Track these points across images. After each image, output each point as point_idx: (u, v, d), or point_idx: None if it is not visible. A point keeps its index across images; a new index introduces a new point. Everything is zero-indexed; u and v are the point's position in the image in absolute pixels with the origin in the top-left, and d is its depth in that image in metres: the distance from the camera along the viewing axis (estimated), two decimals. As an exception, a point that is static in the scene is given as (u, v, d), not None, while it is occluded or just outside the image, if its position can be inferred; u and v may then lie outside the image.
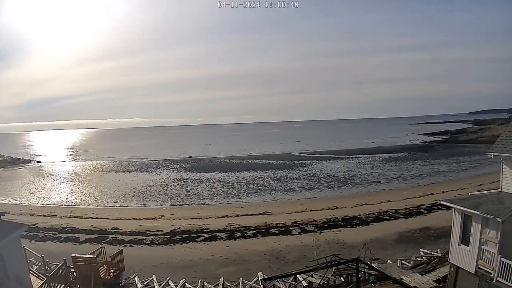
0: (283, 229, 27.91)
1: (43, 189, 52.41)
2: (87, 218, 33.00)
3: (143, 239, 26.49)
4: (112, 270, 17.04)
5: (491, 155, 14.44)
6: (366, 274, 16.91)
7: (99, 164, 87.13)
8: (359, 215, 30.66)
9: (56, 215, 34.14)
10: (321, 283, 15.89)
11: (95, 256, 16.14)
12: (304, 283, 15.93)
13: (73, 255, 16.13)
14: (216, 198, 42.77)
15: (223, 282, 17.87)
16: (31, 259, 15.70)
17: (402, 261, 19.48)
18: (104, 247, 18.74)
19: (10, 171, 74.32)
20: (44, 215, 34.16)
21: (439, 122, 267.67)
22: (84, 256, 16.10)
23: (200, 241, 26.07)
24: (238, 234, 27.07)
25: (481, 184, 39.66)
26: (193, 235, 27.09)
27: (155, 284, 17.64)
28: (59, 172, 72.26)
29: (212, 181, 54.52)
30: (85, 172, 72.12)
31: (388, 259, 19.96)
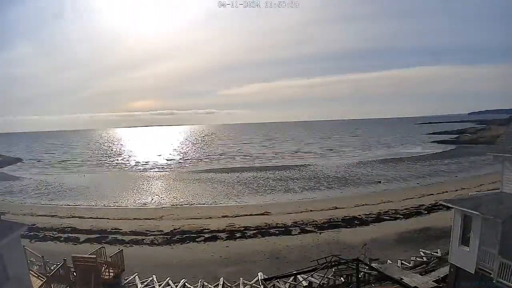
0: (283, 229, 27.90)
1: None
2: (87, 218, 32.98)
3: (143, 239, 26.49)
4: (112, 270, 17.01)
5: (491, 155, 14.46)
6: (366, 275, 16.91)
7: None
8: (359, 215, 30.65)
9: (56, 215, 34.14)
10: (321, 283, 15.90)
11: (95, 256, 16.11)
12: (304, 283, 15.94)
13: (73, 255, 16.11)
14: (216, 198, 42.74)
15: (223, 282, 17.87)
16: (31, 259, 15.65)
17: (402, 262, 19.50)
18: (104, 247, 18.68)
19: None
20: (44, 215, 34.16)
21: (440, 122, 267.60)
22: (84, 256, 16.08)
23: (200, 241, 26.07)
24: (238, 234, 27.06)
25: (481, 185, 39.67)
26: (193, 235, 27.08)
27: (155, 284, 17.65)
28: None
29: (214, 181, 54.54)
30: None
31: (388, 259, 19.93)
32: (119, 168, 79.31)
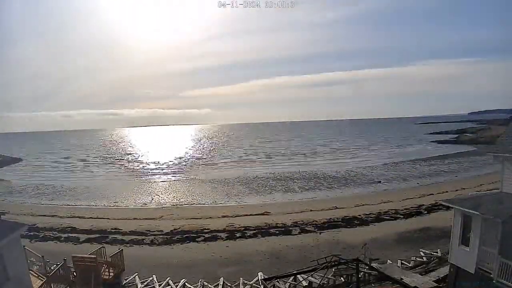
0: (283, 229, 27.88)
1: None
2: (87, 218, 32.98)
3: (143, 239, 26.48)
4: (112, 270, 17.04)
5: (491, 155, 14.47)
6: (366, 275, 16.91)
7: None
8: (359, 215, 30.62)
9: (56, 215, 34.12)
10: (321, 283, 15.90)
11: (95, 256, 16.13)
12: (304, 283, 15.95)
13: (73, 255, 16.14)
14: (216, 198, 42.75)
15: (223, 282, 17.89)
16: (31, 259, 15.65)
17: (402, 261, 19.51)
18: (104, 247, 18.72)
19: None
20: (44, 215, 34.15)
21: (440, 122, 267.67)
22: (84, 256, 16.10)
23: (200, 241, 26.06)
24: (238, 234, 27.05)
25: (481, 185, 39.69)
26: (193, 235, 27.08)
27: (155, 284, 17.67)
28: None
29: (212, 181, 54.56)
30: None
31: (388, 259, 19.94)
32: (120, 169, 79.08)
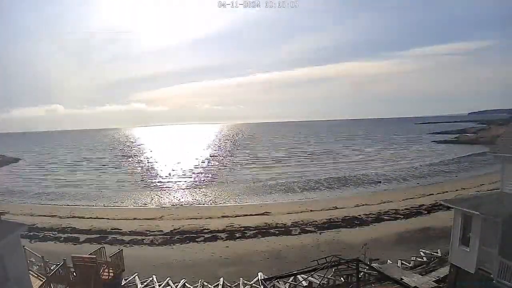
0: (283, 229, 27.88)
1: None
2: (87, 218, 32.99)
3: (143, 239, 26.49)
4: (112, 270, 17.00)
5: (491, 155, 14.48)
6: (366, 275, 16.90)
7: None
8: (359, 215, 30.63)
9: (56, 215, 34.14)
10: (321, 283, 15.89)
11: (95, 256, 16.10)
12: (304, 283, 15.95)
13: (73, 255, 16.10)
14: (216, 198, 42.75)
15: (223, 282, 17.88)
16: (31, 259, 15.64)
17: (402, 262, 19.52)
18: (104, 247, 18.65)
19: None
20: (44, 215, 34.16)
21: (440, 122, 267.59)
22: (84, 256, 16.07)
23: (200, 241, 26.07)
24: (238, 234, 27.05)
25: (481, 185, 39.71)
26: (193, 235, 27.08)
27: (155, 284, 17.67)
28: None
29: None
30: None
31: (388, 260, 19.93)
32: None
